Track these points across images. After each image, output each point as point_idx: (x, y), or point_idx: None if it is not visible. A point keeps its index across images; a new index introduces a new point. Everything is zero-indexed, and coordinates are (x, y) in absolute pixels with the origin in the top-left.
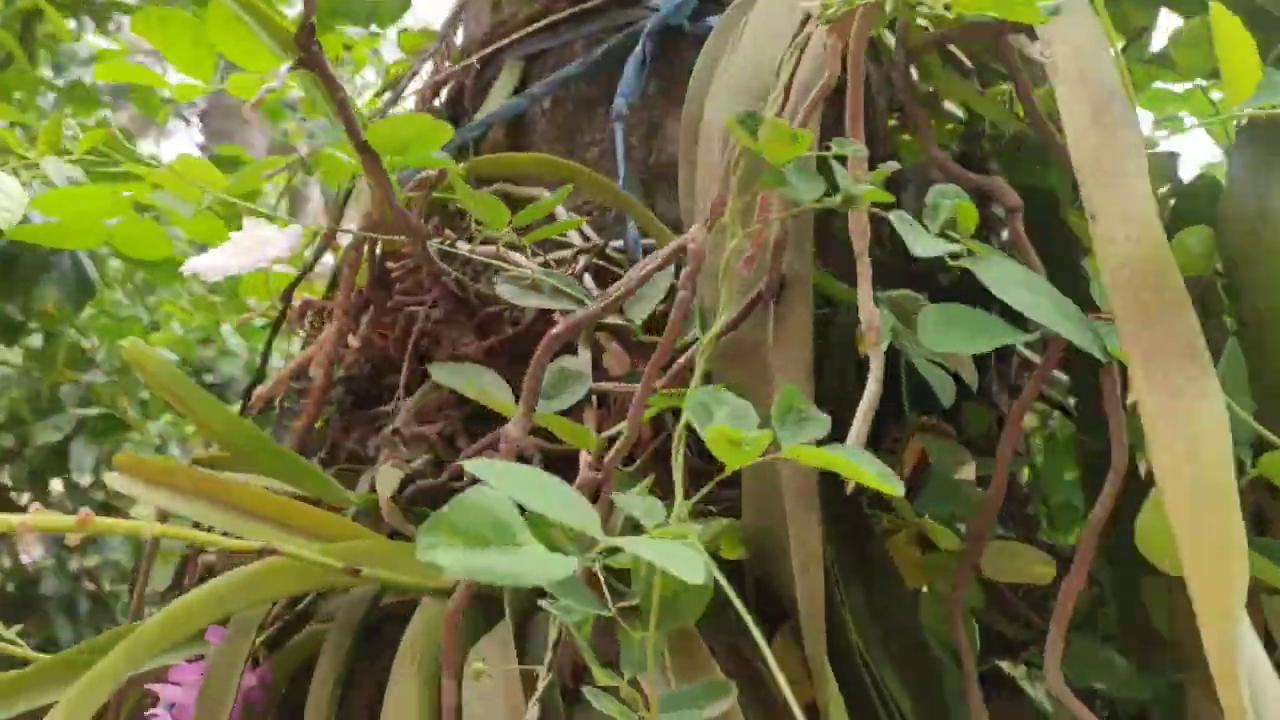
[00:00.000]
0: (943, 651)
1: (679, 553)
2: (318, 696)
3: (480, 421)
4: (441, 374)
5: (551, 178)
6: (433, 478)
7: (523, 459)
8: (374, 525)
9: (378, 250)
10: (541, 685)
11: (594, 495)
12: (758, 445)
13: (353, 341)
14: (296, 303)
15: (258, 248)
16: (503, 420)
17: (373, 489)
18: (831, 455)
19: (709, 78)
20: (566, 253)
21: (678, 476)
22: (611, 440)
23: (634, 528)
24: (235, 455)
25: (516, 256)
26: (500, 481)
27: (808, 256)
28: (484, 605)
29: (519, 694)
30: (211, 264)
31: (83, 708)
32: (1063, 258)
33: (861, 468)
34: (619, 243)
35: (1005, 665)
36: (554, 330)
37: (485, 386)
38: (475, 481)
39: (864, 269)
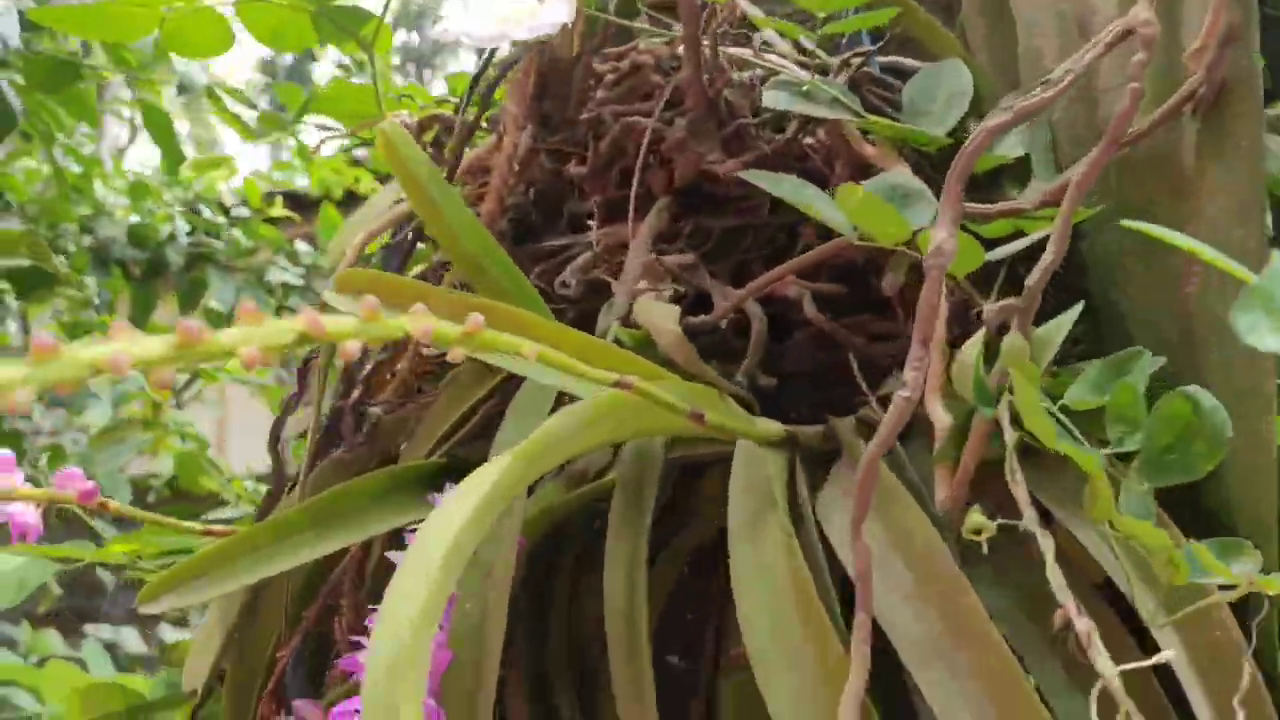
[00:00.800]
0: None
1: None
2: (620, 552)
3: (714, 259)
4: (768, 180)
5: None
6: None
7: (788, 302)
8: None
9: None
10: (1050, 555)
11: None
12: None
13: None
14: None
15: (525, 17)
16: (752, 251)
17: (625, 323)
18: None
19: None
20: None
21: None
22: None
23: None
24: (480, 285)
25: (781, 60)
26: None
27: (1254, 55)
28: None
29: (939, 551)
30: (478, 30)
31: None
32: None
33: None
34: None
35: None
36: (990, 124)
37: (811, 199)
38: (741, 320)
39: None
